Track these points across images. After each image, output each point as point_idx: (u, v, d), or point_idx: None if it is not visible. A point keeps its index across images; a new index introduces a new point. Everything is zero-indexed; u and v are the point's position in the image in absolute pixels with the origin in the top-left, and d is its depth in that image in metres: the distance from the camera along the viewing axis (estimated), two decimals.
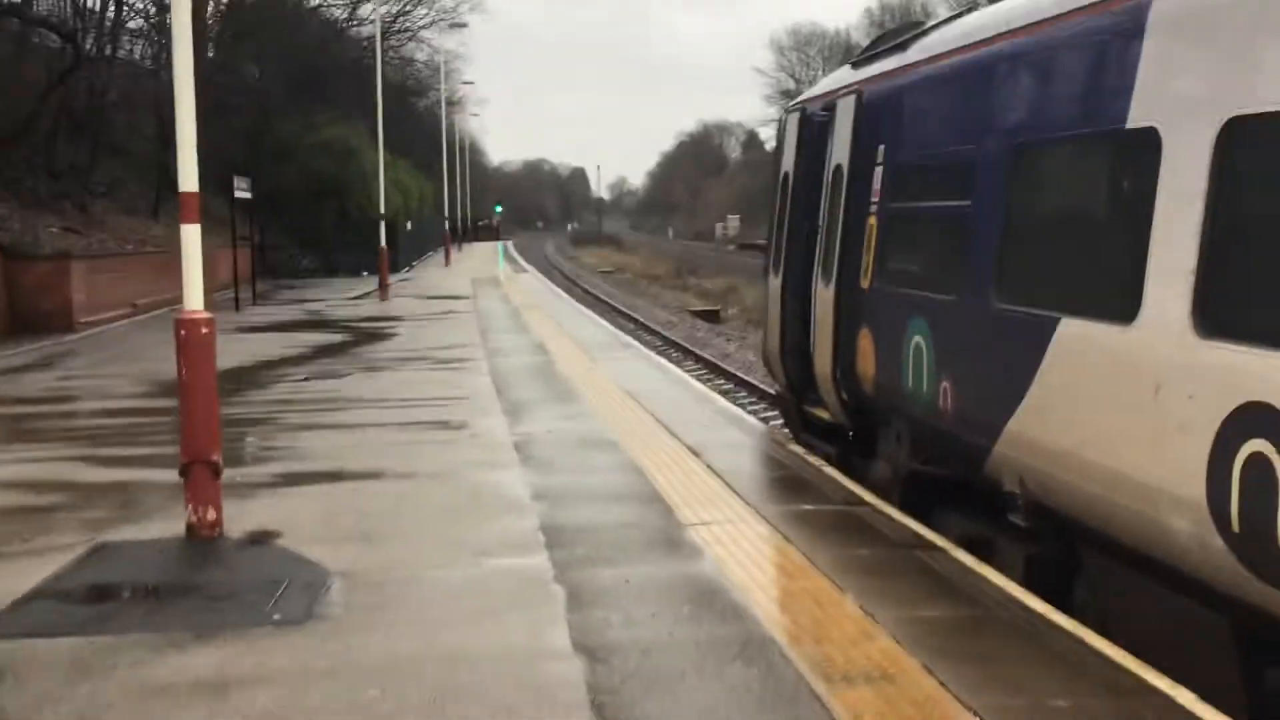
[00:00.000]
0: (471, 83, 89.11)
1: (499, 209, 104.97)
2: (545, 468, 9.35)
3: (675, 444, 10.26)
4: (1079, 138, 6.47)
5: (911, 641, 5.32)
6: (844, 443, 10.43)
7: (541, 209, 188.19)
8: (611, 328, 23.79)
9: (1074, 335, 6.19)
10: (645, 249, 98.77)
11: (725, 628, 5.54)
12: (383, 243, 34.00)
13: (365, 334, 21.79)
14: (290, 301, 31.42)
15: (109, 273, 25.16)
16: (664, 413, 11.94)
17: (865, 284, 9.27)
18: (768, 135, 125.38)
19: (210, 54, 46.36)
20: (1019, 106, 7.14)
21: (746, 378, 20.97)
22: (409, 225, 53.13)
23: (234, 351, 18.60)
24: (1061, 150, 6.74)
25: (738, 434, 11.00)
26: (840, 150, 9.79)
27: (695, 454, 9.79)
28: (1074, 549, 6.78)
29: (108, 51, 32.19)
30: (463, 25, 64.57)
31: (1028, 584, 6.67)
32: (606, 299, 42.54)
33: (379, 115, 35.86)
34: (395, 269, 42.07)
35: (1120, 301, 5.81)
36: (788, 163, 11.17)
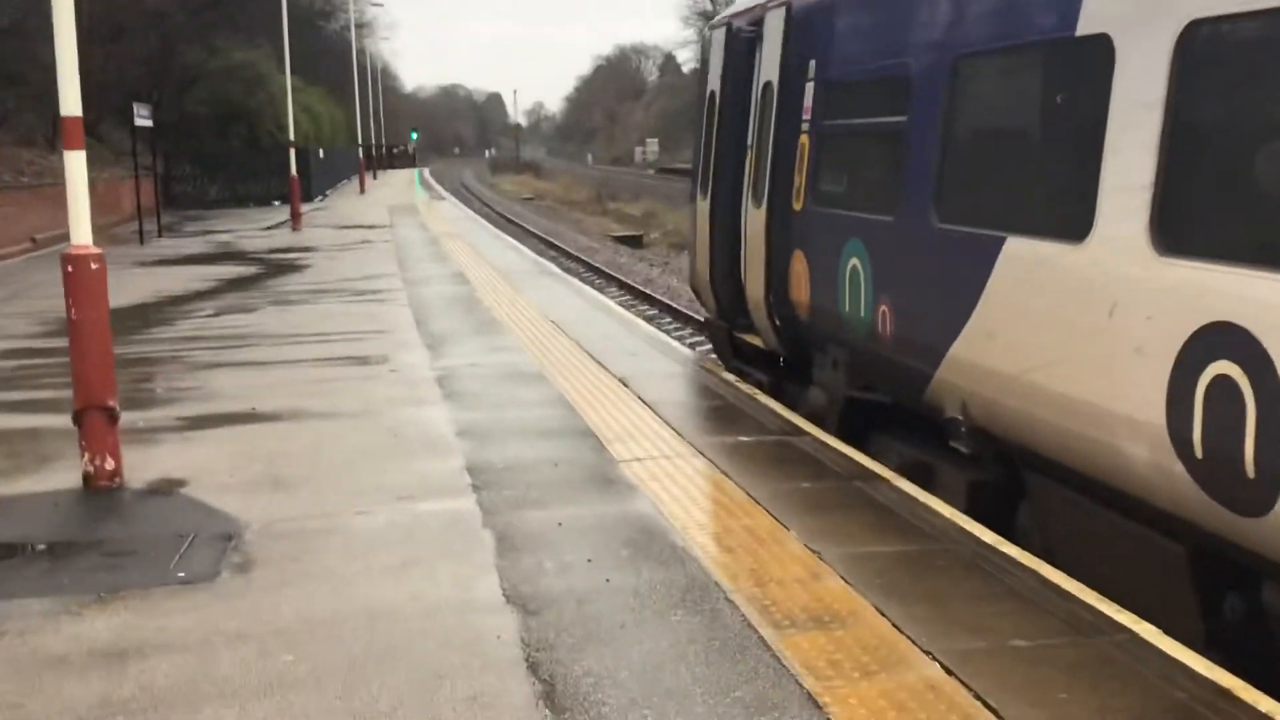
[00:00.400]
0: (381, 4, 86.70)
1: (415, 136, 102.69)
2: (469, 403, 8.94)
3: (604, 375, 9.91)
4: (1023, 47, 6.14)
5: (861, 581, 5.06)
6: (777, 370, 10.18)
7: (458, 136, 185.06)
8: (533, 255, 23.28)
9: (1020, 255, 5.91)
10: (564, 175, 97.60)
11: (665, 572, 5.24)
12: (293, 171, 32.90)
13: (277, 266, 21.03)
14: (198, 233, 30.33)
15: (5, 207, 23.99)
16: (591, 342, 11.57)
17: (798, 205, 8.93)
18: (685, 58, 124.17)
19: None
20: (957, 16, 6.79)
21: (672, 303, 20.65)
22: (321, 153, 51.65)
23: (138, 287, 17.82)
24: (1004, 62, 6.41)
25: (667, 362, 10.68)
26: (769, 67, 9.38)
27: (625, 385, 9.45)
28: (1017, 475, 6.59)
29: None
30: None
31: (970, 511, 6.48)
32: (527, 226, 41.85)
33: (284, 37, 34.50)
34: (308, 198, 40.84)
35: (1070, 219, 5.54)
36: (714, 81, 10.74)
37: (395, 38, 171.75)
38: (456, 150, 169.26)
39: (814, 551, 5.44)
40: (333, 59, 68.96)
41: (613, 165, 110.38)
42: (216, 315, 14.63)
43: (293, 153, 33.92)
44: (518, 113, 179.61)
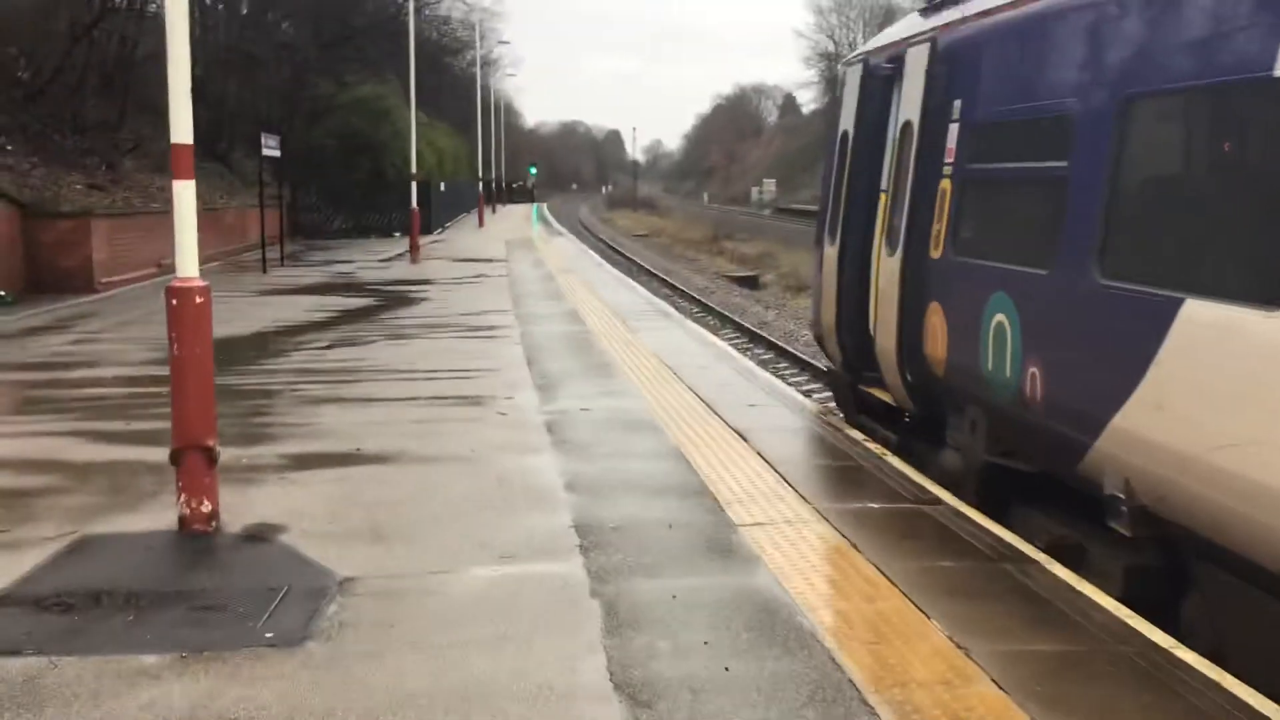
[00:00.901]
0: (508, 42, 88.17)
1: (533, 171, 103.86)
2: (579, 452, 8.51)
3: (720, 426, 9.40)
4: (1210, 88, 5.51)
5: (1017, 686, 4.45)
6: (905, 427, 9.56)
7: (576, 171, 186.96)
8: (648, 294, 22.92)
9: (1202, 319, 5.27)
10: (680, 213, 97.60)
11: (792, 662, 4.70)
12: (414, 203, 33.16)
13: (393, 298, 21.02)
14: (320, 263, 30.69)
15: (133, 231, 24.49)
16: (706, 389, 11.08)
17: (936, 254, 8.34)
18: (806, 99, 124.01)
19: (244, 11, 45.57)
20: (1131, 52, 6.18)
21: (789, 348, 20.06)
22: (442, 186, 52.28)
23: (256, 316, 17.91)
24: (1185, 103, 5.78)
25: (787, 415, 10.12)
26: (909, 106, 8.83)
27: (743, 438, 8.93)
28: (1183, 562, 5.91)
29: (138, 4, 31.38)
30: None
31: (1125, 599, 5.83)
32: (642, 264, 41.61)
33: (411, 72, 34.93)
34: (427, 230, 41.28)
35: (1262, 281, 4.91)
36: (847, 120, 10.22)
37: (519, 74, 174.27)
38: (574, 186, 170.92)
39: (960, 647, 4.84)
40: (458, 94, 70.10)
41: (729, 204, 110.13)
42: (330, 348, 14.51)
43: (414, 186, 34.23)
44: (636, 150, 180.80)
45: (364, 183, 45.94)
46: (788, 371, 18.23)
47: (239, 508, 6.99)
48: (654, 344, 14.42)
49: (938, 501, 7.18)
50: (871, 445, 8.82)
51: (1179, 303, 5.39)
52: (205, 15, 40.93)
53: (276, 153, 27.24)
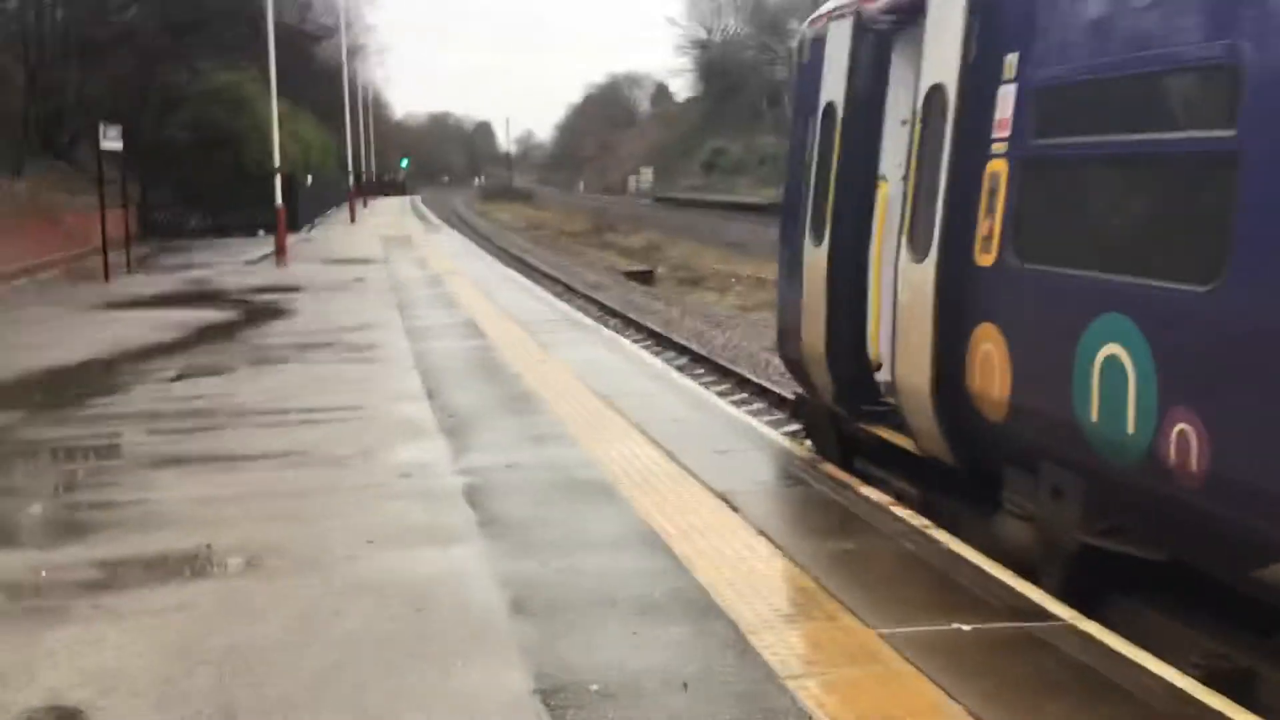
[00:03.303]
0: (374, 26, 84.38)
1: (405, 163, 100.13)
2: (519, 541, 6.24)
3: (696, 488, 7.21)
4: None
5: None
6: (919, 475, 7.53)
7: (447, 163, 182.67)
8: (549, 298, 20.61)
9: None
10: (558, 204, 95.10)
11: None
12: (279, 199, 30.22)
13: (258, 310, 18.29)
14: (174, 268, 27.55)
15: None
16: (657, 427, 8.89)
17: (986, 259, 6.30)
18: (678, 87, 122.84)
19: None
20: None
21: (711, 357, 17.97)
22: (309, 181, 48.95)
23: (89, 337, 15.10)
24: None
25: (771, 465, 8.02)
26: (937, 66, 6.75)
27: (731, 506, 6.77)
28: None
29: None
30: None
31: None
32: (531, 261, 39.17)
33: (270, 59, 31.90)
34: (295, 228, 38.14)
35: None
36: (832, 90, 8.09)
37: (386, 65, 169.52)
38: (446, 179, 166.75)
39: None
40: (323, 84, 66.34)
41: (604, 194, 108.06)
42: (179, 379, 11.89)
43: (278, 180, 31.24)
44: (509, 140, 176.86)
45: (223, 178, 42.44)
46: (708, 380, 16.11)
47: (19, 675, 4.59)
48: (575, 363, 12.16)
49: (1045, 615, 5.10)
50: (903, 513, 6.72)
51: None
52: None
53: (118, 145, 24.11)
